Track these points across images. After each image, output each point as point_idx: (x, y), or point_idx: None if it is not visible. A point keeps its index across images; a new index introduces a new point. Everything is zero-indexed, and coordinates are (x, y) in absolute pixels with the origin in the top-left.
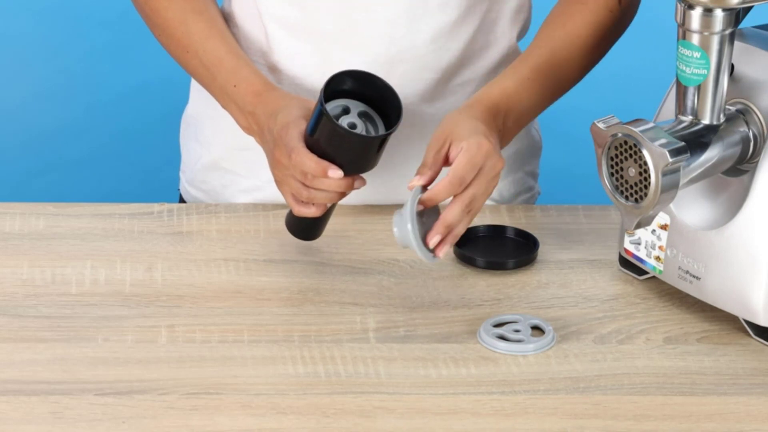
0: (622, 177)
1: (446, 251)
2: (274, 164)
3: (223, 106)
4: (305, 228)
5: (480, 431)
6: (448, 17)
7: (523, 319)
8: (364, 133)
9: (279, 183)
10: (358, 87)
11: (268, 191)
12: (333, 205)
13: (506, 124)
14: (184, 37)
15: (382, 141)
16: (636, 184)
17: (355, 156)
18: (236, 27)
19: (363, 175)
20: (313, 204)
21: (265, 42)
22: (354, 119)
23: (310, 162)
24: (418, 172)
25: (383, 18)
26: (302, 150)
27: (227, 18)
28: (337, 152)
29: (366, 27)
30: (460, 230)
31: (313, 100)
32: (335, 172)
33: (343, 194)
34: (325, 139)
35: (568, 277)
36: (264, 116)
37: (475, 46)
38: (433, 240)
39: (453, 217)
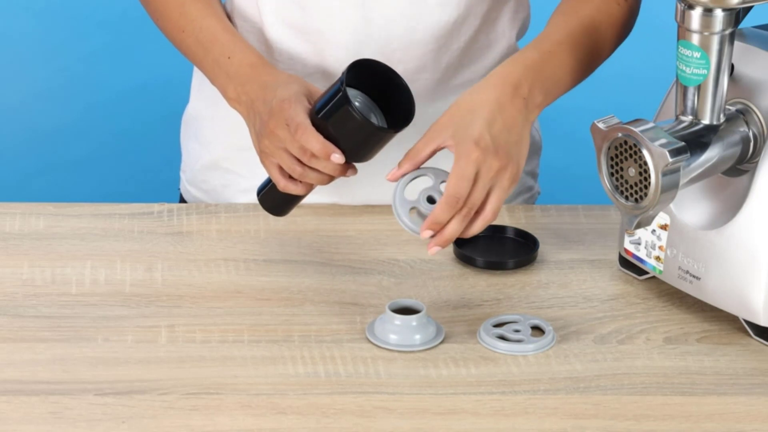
0: (622, 177)
1: (436, 251)
2: (267, 135)
3: (213, 80)
4: (280, 203)
5: (480, 431)
6: (447, 17)
7: (523, 319)
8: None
9: (266, 154)
10: (369, 78)
11: None
12: (312, 188)
13: (533, 93)
14: (181, 18)
15: (390, 136)
16: (636, 184)
17: (360, 145)
18: (235, 27)
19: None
20: (301, 182)
21: (264, 42)
22: (361, 108)
23: (316, 142)
24: (401, 163)
25: (381, 17)
26: (309, 128)
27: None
28: (344, 138)
29: (364, 26)
30: (452, 232)
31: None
32: (338, 157)
33: (331, 179)
34: (336, 122)
35: (568, 277)
36: (258, 87)
37: (476, 45)
38: (424, 233)
39: (440, 216)
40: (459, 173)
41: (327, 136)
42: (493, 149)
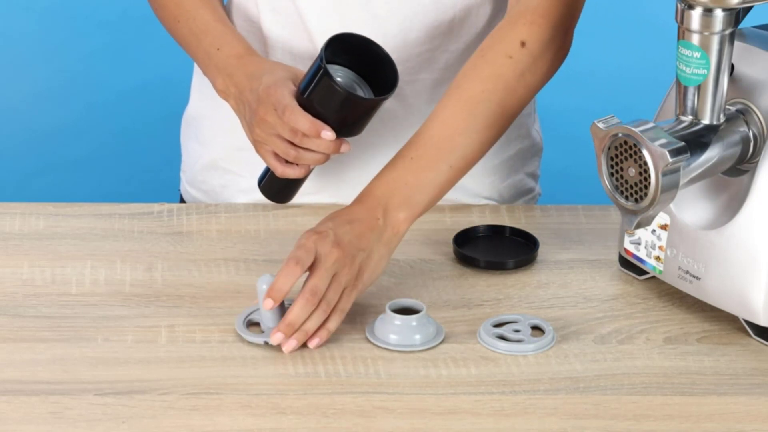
0: (622, 177)
1: (293, 347)
2: (258, 123)
3: (204, 72)
4: (282, 189)
5: (480, 431)
6: (443, 16)
7: (523, 319)
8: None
9: (259, 143)
10: (351, 52)
11: None
12: (311, 169)
13: (390, 211)
14: (176, 7)
15: (376, 105)
16: (636, 184)
17: (347, 117)
18: (234, 26)
19: (355, 172)
20: (297, 165)
21: (264, 41)
22: (345, 82)
23: (305, 121)
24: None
25: (374, 16)
26: (297, 108)
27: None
28: (331, 113)
29: (357, 25)
30: (310, 326)
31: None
32: (329, 134)
33: (327, 157)
34: (321, 99)
35: (568, 277)
36: (245, 78)
37: (479, 47)
38: (275, 337)
39: (295, 315)
40: (298, 244)
41: (315, 115)
42: (330, 241)
